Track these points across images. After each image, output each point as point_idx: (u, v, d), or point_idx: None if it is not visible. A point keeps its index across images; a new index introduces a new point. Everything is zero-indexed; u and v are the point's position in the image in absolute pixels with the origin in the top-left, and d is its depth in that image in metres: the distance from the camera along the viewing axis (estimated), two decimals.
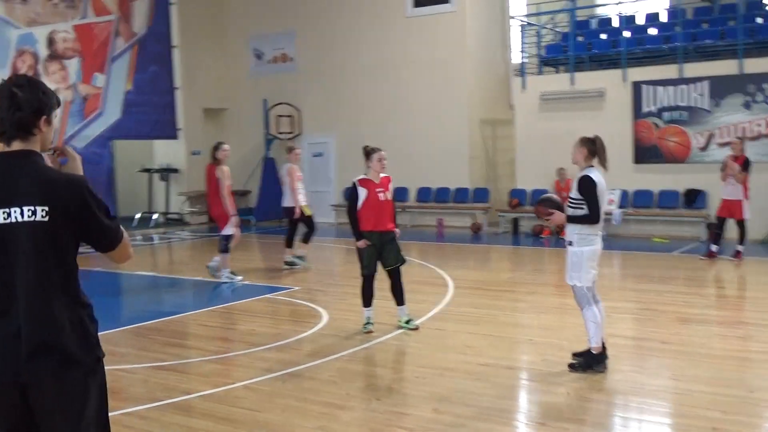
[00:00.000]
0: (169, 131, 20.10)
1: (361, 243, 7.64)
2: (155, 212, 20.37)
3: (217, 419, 5.29)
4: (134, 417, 5.38)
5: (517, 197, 16.59)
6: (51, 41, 17.56)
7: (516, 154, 17.07)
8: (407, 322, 7.84)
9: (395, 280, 7.80)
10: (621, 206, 15.41)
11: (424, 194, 18.42)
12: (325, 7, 19.57)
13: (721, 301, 9.49)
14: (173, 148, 20.60)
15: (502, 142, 18.30)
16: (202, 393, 5.85)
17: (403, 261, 7.81)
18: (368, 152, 7.80)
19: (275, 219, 19.96)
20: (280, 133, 19.89)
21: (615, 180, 15.61)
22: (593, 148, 6.34)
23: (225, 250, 10.95)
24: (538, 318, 8.35)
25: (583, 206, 6.15)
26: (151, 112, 19.50)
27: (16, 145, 2.81)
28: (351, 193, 7.76)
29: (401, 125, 18.61)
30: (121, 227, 2.97)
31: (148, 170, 20.79)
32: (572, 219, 6.26)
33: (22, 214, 2.70)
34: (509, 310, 8.70)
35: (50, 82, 17.28)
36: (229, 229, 10.78)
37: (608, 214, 15.34)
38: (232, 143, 21.40)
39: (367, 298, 7.84)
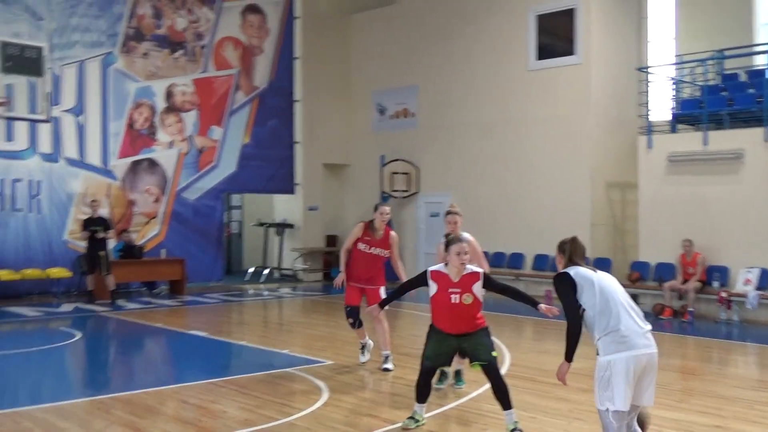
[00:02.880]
0: (285, 186, 19.84)
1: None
2: (268, 267, 20.05)
3: None
4: None
5: (638, 270, 14.58)
6: (169, 94, 17.83)
7: (639, 221, 15.10)
8: (513, 431, 6.22)
9: (494, 379, 6.22)
10: (759, 287, 13.04)
11: (541, 262, 16.72)
12: (447, 60, 18.65)
13: None
14: (291, 203, 20.28)
15: (632, 208, 16.31)
16: None
17: (494, 357, 6.26)
18: (448, 242, 6.34)
19: (394, 280, 18.96)
20: (395, 191, 18.99)
21: (753, 257, 13.33)
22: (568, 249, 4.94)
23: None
24: (566, 426, 6.70)
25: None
26: (267, 166, 19.33)
27: None
28: (417, 277, 6.49)
29: (520, 186, 17.17)
30: None
31: (263, 224, 20.57)
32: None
33: None
34: (538, 412, 7.08)
35: (166, 134, 17.57)
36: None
37: (743, 296, 13.04)
38: (351, 200, 20.94)
39: (422, 394, 6.42)
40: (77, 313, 13.75)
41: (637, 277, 14.46)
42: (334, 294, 17.41)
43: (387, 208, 8.86)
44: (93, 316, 13.45)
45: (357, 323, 8.97)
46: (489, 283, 6.35)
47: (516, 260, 17.04)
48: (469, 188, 18.08)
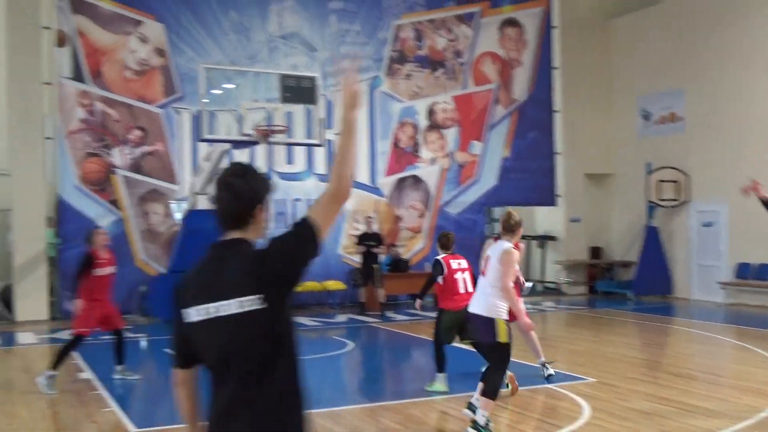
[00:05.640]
0: (547, 198, 19.65)
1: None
2: (531, 280, 19.94)
3: None
4: None
5: None
6: (431, 112, 18.47)
7: None
8: None
9: None
10: None
11: None
12: (717, 58, 17.42)
13: None
14: (553, 215, 20.06)
15: None
16: None
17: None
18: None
19: (657, 294, 18.14)
20: (662, 200, 18.07)
21: None
22: None
23: None
24: None
25: None
26: (528, 179, 19.29)
27: (233, 234, 2.77)
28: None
29: None
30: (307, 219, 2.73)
31: (524, 237, 20.48)
32: None
33: (229, 306, 2.65)
34: None
35: (428, 151, 18.23)
36: None
37: None
38: (616, 210, 20.29)
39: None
40: (350, 323, 14.65)
41: None
42: (599, 308, 16.99)
43: None
44: (364, 326, 14.25)
45: None
46: None
47: None
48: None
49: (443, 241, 8.70)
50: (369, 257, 15.72)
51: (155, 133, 16.01)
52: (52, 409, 7.95)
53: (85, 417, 7.62)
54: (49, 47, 15.34)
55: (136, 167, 15.84)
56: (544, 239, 20.08)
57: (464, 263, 8.50)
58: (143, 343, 12.65)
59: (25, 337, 13.13)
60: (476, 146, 18.86)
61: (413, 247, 18.17)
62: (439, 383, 8.41)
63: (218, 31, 16.52)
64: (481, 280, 6.85)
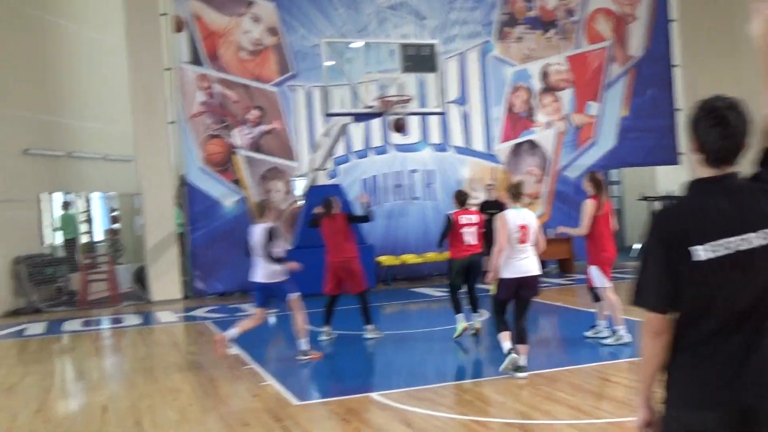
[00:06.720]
0: (668, 157, 18.95)
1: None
2: None
3: None
4: None
5: None
6: (544, 74, 18.01)
7: None
8: None
9: None
10: None
11: None
12: None
13: None
14: (676, 175, 19.30)
15: None
16: None
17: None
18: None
19: None
20: None
21: None
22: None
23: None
24: None
25: None
26: (648, 138, 18.63)
27: (727, 169, 2.69)
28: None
29: None
30: None
31: (646, 198, 19.84)
32: None
33: (757, 238, 2.61)
34: None
35: (543, 114, 17.80)
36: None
37: None
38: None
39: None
40: (477, 293, 14.45)
41: None
42: None
43: None
44: (491, 295, 14.04)
45: None
46: None
47: None
48: None
49: (460, 198, 9.74)
50: (491, 225, 15.48)
51: (272, 111, 16.17)
52: (211, 384, 8.14)
53: (245, 391, 7.77)
54: (167, 33, 15.67)
55: (255, 146, 16.06)
56: (667, 199, 19.36)
57: (474, 218, 9.61)
58: (272, 319, 12.84)
59: (164, 316, 13.55)
60: (593, 107, 18.30)
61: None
62: (459, 324, 9.70)
63: (328, 5, 16.51)
64: (521, 246, 7.63)
